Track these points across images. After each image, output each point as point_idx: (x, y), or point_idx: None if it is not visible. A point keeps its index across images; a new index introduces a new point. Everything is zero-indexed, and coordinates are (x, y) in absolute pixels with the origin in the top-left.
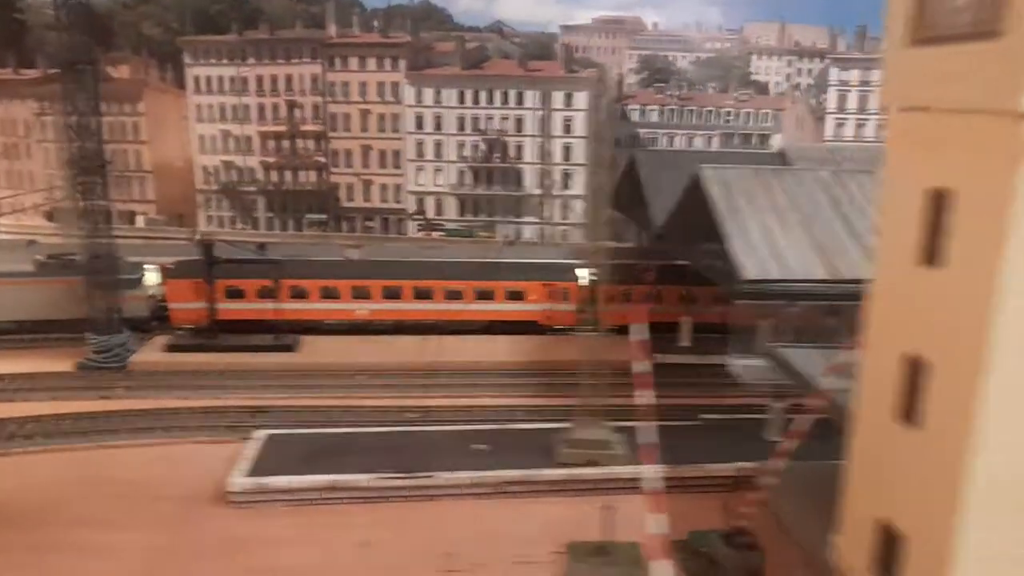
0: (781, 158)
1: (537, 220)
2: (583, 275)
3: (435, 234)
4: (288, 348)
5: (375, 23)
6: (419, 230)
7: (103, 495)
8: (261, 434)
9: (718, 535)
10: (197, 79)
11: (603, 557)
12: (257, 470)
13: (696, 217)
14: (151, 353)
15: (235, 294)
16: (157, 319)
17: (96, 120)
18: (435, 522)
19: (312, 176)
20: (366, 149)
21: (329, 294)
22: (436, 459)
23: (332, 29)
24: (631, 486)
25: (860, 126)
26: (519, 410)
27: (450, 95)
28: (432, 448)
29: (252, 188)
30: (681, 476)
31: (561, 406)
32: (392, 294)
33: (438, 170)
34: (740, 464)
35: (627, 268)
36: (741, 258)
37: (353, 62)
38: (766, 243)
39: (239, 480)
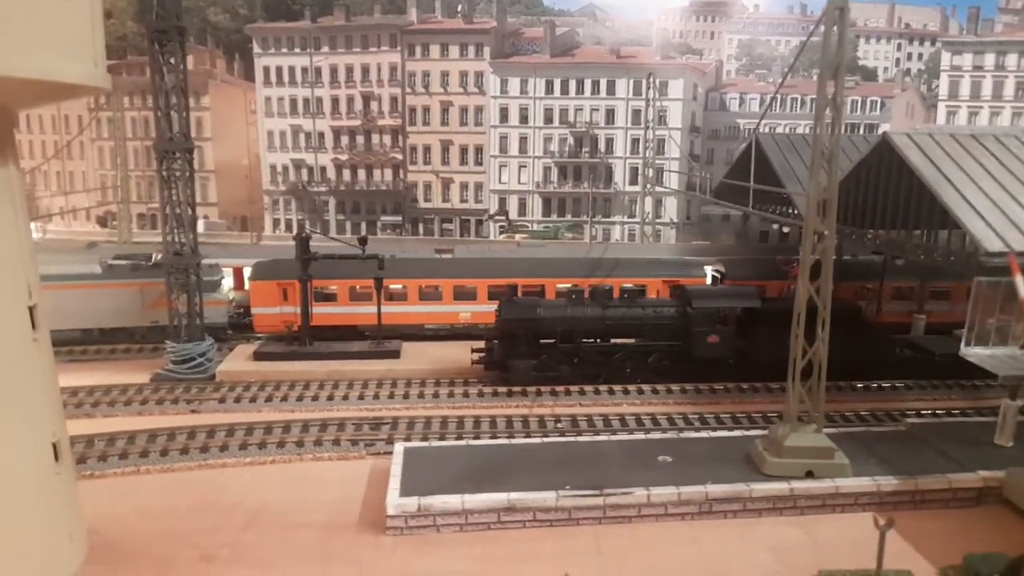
0: None
1: (629, 219)
2: (707, 271)
3: (518, 236)
4: (394, 355)
5: (459, 7)
6: (501, 232)
7: (232, 524)
8: (399, 448)
9: (1006, 558)
10: (267, 69)
11: None
12: (412, 490)
13: (877, 196)
14: (237, 363)
15: (327, 297)
16: (232, 327)
17: (184, 99)
18: (644, 549)
19: (388, 175)
20: (446, 145)
21: (429, 295)
22: (621, 474)
23: (413, 14)
24: (857, 502)
25: (973, 114)
26: (676, 417)
27: (537, 85)
28: (608, 461)
29: (323, 188)
30: (919, 489)
31: (717, 413)
32: (499, 295)
33: (522, 166)
34: (984, 474)
35: (760, 263)
36: (977, 229)
37: (435, 50)
38: (997, 212)
39: (399, 501)
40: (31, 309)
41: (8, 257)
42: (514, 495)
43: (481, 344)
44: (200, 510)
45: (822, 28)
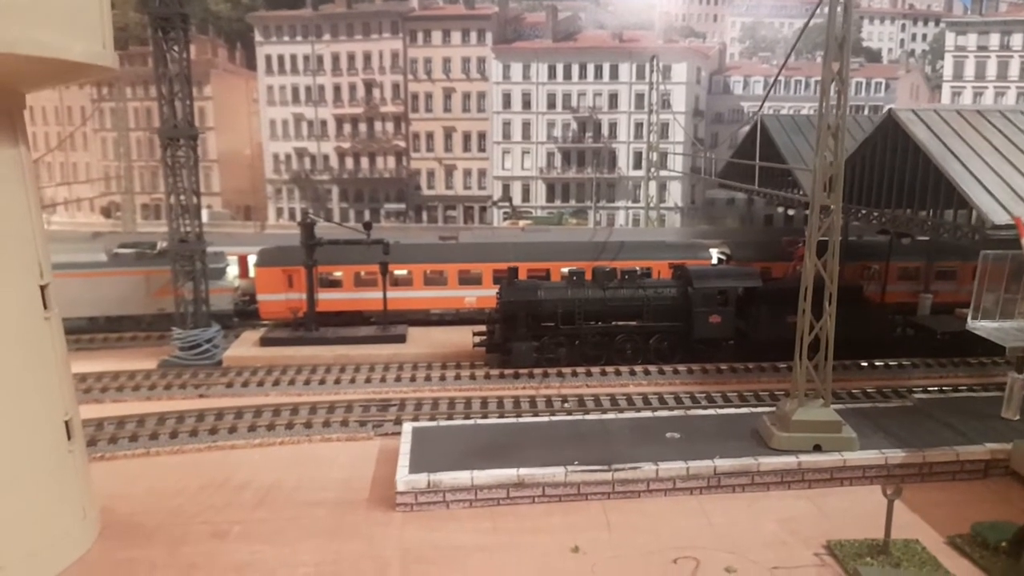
0: None
1: (634, 204)
2: (713, 253)
3: (521, 222)
4: (400, 339)
5: None
6: (505, 219)
7: (242, 503)
8: (408, 427)
9: (1013, 526)
10: (269, 58)
11: (887, 557)
12: (421, 467)
13: (883, 175)
14: (243, 348)
15: (332, 283)
16: (238, 314)
17: (188, 86)
18: (652, 522)
19: (391, 162)
20: (449, 131)
21: (435, 280)
22: (629, 450)
23: (414, 1)
24: (865, 475)
25: (978, 95)
26: (682, 396)
27: (540, 70)
28: (616, 438)
29: (326, 177)
30: (926, 462)
31: (724, 391)
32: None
33: (526, 152)
34: (992, 446)
35: (765, 244)
36: (983, 203)
37: (436, 36)
38: (1004, 186)
39: (408, 478)
40: (43, 288)
41: (20, 236)
42: (523, 471)
43: (483, 327)
44: (211, 489)
45: (826, 9)
